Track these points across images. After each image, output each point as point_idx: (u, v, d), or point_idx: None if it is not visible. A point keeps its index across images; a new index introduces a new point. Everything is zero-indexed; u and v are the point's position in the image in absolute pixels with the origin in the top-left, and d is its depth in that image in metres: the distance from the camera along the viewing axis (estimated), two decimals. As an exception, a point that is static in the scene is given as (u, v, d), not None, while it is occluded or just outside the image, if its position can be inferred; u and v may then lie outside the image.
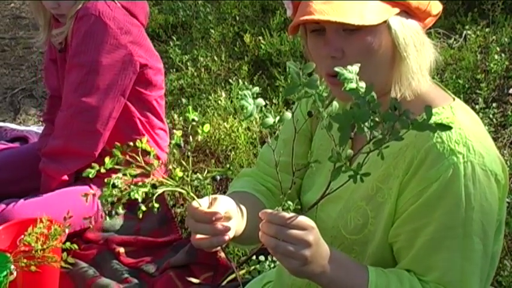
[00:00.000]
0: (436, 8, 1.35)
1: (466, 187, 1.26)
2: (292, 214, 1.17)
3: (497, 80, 3.24)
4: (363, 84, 1.05)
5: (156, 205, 1.17)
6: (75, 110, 2.51)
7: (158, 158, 1.13)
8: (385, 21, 1.28)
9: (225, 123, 3.11)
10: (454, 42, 3.59)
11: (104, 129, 2.54)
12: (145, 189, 1.14)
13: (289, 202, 1.18)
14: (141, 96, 2.66)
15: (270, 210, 1.19)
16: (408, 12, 1.31)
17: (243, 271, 2.28)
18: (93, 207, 2.57)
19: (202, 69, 3.75)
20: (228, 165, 1.23)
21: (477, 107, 2.99)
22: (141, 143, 1.15)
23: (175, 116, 3.29)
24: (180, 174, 1.18)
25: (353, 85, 1.04)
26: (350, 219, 1.40)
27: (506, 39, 3.44)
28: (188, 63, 3.80)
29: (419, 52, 1.32)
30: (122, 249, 2.56)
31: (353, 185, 1.10)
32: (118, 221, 2.69)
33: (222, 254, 2.35)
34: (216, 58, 3.79)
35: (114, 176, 1.14)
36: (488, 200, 1.29)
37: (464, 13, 3.77)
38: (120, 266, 2.50)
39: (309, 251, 1.17)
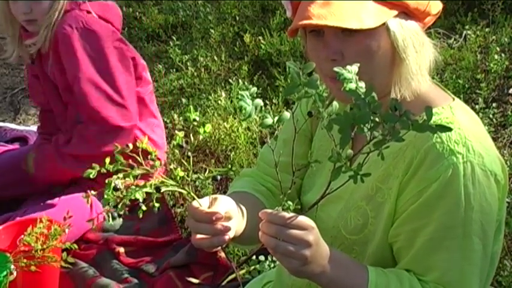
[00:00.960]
0: (436, 7, 1.35)
1: (466, 187, 1.26)
2: (292, 214, 1.17)
3: (497, 80, 3.24)
4: (362, 84, 1.05)
5: (157, 204, 1.17)
6: (100, 120, 2.46)
7: (159, 159, 1.14)
8: (383, 24, 1.28)
9: (225, 123, 3.11)
10: (454, 42, 3.59)
11: (134, 119, 2.50)
12: (147, 190, 1.14)
13: (289, 202, 1.18)
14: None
15: (270, 210, 1.19)
16: (407, 13, 1.31)
17: (243, 271, 2.28)
18: (94, 211, 2.55)
19: (202, 69, 3.75)
20: (229, 166, 1.23)
21: (477, 107, 2.99)
22: (142, 143, 1.15)
23: (175, 116, 3.29)
24: (181, 174, 1.19)
25: (352, 85, 1.04)
26: (350, 219, 1.40)
27: (506, 39, 3.44)
28: (188, 63, 3.80)
29: (418, 53, 1.32)
30: (121, 249, 2.56)
31: (353, 185, 1.10)
32: (118, 221, 2.69)
33: (222, 254, 2.36)
34: (216, 58, 3.79)
35: (114, 177, 1.14)
36: (488, 200, 1.29)
37: (464, 13, 3.77)
38: (120, 266, 2.50)
39: (309, 251, 1.17)
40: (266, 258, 2.22)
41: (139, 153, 1.14)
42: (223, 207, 1.24)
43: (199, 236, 1.23)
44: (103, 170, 1.13)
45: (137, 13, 4.49)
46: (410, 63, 1.30)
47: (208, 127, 1.18)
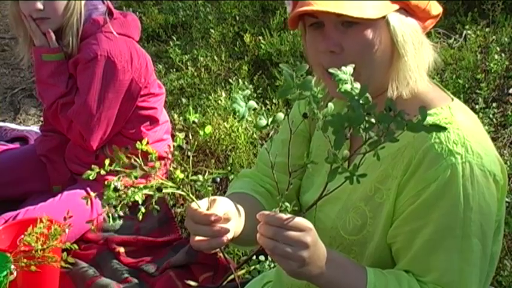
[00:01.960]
0: (436, 8, 1.35)
1: (465, 188, 1.26)
2: (289, 215, 1.17)
3: (497, 80, 3.24)
4: (357, 85, 1.05)
5: (156, 207, 1.17)
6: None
7: (159, 158, 1.14)
8: (384, 17, 1.28)
9: (225, 123, 3.12)
10: (454, 42, 3.59)
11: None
12: (147, 191, 1.14)
13: (287, 203, 1.18)
14: (145, 110, 2.70)
15: (267, 212, 1.19)
16: (407, 10, 1.31)
17: (243, 271, 2.28)
18: (95, 211, 2.56)
19: (202, 69, 3.75)
20: (229, 167, 1.23)
21: (477, 107, 2.99)
22: (141, 144, 1.15)
23: (175, 116, 3.30)
24: (181, 175, 1.19)
25: (347, 86, 1.04)
26: (349, 220, 1.40)
27: (506, 39, 3.45)
28: (188, 63, 3.80)
29: (417, 51, 1.32)
30: (122, 249, 2.56)
31: (351, 186, 1.10)
32: (118, 221, 2.68)
33: (221, 255, 2.35)
34: (216, 58, 3.80)
35: (114, 178, 1.14)
36: (487, 201, 1.28)
37: (464, 13, 3.77)
38: (120, 265, 2.50)
39: (306, 252, 1.17)
40: (266, 258, 2.22)
41: (139, 154, 1.14)
42: (222, 208, 1.24)
43: (197, 237, 1.23)
44: (102, 172, 1.13)
45: (137, 13, 4.49)
46: (409, 60, 1.31)
47: (209, 129, 1.18)
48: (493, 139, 2.89)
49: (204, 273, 2.39)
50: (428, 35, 1.37)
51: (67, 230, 2.17)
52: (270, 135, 1.14)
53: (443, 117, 1.32)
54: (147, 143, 1.15)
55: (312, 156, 1.51)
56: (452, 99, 1.38)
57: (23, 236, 2.13)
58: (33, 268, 2.09)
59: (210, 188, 1.19)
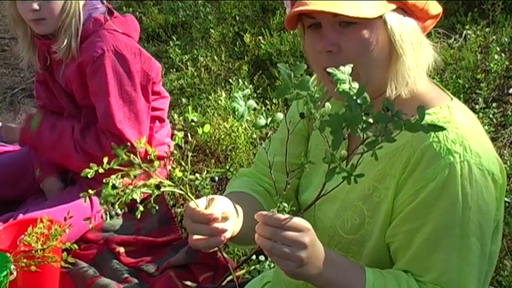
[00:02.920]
0: (435, 8, 1.35)
1: (463, 187, 1.26)
2: (287, 215, 1.17)
3: (497, 80, 3.24)
4: (355, 85, 1.05)
5: (155, 206, 1.17)
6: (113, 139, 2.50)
7: (159, 158, 1.14)
8: (381, 17, 1.28)
9: (225, 123, 3.12)
10: (454, 42, 3.59)
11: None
12: (144, 191, 1.14)
13: (284, 204, 1.18)
14: (156, 110, 2.72)
15: (265, 212, 1.19)
16: (405, 10, 1.31)
17: (243, 271, 2.28)
18: (94, 211, 2.55)
19: (202, 69, 3.75)
20: (227, 166, 1.23)
21: (477, 107, 2.99)
22: (140, 143, 1.15)
23: (176, 116, 3.30)
24: (180, 174, 1.19)
25: (346, 86, 1.04)
26: (347, 219, 1.40)
27: (506, 39, 3.45)
28: (188, 63, 3.80)
29: (415, 50, 1.32)
30: (121, 249, 2.57)
31: (349, 185, 1.10)
32: (118, 221, 2.69)
33: (220, 254, 2.35)
34: (216, 58, 3.80)
35: (113, 176, 1.14)
36: (485, 200, 1.28)
37: (464, 13, 3.77)
38: (120, 265, 2.50)
39: (304, 253, 1.17)
40: (266, 259, 2.22)
41: (137, 153, 1.14)
42: (220, 207, 1.24)
43: (195, 236, 1.23)
44: (101, 170, 1.13)
45: (137, 13, 4.50)
46: (407, 59, 1.31)
47: (207, 127, 1.18)
48: (493, 139, 2.89)
49: (204, 273, 2.39)
50: (428, 35, 1.37)
51: (67, 230, 2.17)
52: (268, 135, 1.14)
53: (442, 117, 1.32)
54: (148, 142, 1.15)
55: (310, 155, 1.51)
56: (452, 99, 1.38)
57: (23, 236, 2.13)
58: (33, 268, 2.10)
59: (208, 187, 1.19)
